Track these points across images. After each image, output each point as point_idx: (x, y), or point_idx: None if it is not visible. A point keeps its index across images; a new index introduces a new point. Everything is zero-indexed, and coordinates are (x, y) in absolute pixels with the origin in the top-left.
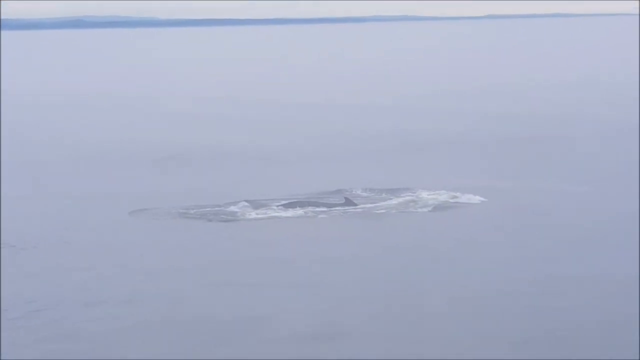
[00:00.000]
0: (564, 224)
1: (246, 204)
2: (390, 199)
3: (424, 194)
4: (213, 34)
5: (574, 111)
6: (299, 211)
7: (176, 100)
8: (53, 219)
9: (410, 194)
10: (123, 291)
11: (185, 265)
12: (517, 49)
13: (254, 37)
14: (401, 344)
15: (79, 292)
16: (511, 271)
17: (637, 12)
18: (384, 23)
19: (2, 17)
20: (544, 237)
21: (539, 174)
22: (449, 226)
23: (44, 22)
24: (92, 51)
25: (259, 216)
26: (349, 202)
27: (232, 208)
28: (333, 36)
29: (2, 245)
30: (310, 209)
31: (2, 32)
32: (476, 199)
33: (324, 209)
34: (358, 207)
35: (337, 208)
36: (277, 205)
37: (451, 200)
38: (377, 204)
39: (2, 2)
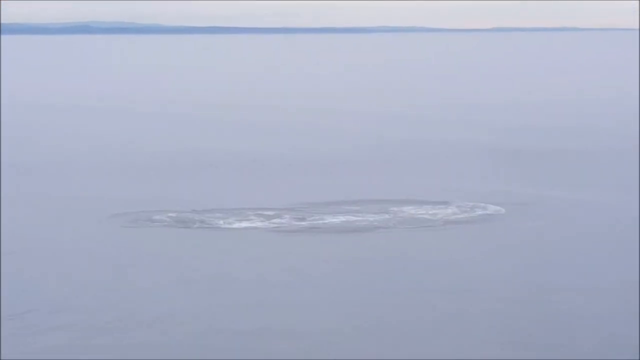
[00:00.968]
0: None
1: (232, 211)
2: (381, 212)
3: (410, 209)
4: (216, 42)
5: (585, 124)
6: (279, 221)
7: (170, 105)
8: (29, 222)
9: (399, 207)
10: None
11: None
12: (528, 62)
13: (258, 46)
14: None
15: (47, 299)
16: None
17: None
18: (390, 34)
19: (8, 22)
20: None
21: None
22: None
23: (49, 27)
24: (92, 57)
25: (242, 225)
26: (332, 213)
27: (214, 215)
28: (338, 46)
29: None
30: (291, 219)
31: (8, 36)
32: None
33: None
34: (338, 219)
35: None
36: (259, 215)
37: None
38: (361, 218)
39: (2, 3)
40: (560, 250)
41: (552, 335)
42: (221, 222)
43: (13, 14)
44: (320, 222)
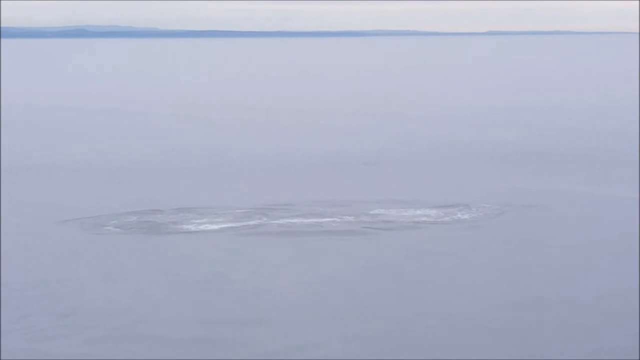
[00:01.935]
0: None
1: (193, 213)
2: (357, 214)
3: (392, 212)
4: (213, 45)
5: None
6: (248, 222)
7: (154, 106)
8: None
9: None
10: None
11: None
12: (525, 65)
13: (253, 49)
14: None
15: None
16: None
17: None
18: (386, 38)
19: (4, 26)
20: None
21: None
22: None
23: (45, 31)
24: (89, 60)
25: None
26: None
27: (181, 217)
28: (335, 49)
29: None
30: (259, 221)
31: (3, 40)
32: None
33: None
34: (297, 220)
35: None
36: (220, 216)
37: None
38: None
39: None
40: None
41: None
42: (187, 224)
43: (8, 17)
44: (290, 222)
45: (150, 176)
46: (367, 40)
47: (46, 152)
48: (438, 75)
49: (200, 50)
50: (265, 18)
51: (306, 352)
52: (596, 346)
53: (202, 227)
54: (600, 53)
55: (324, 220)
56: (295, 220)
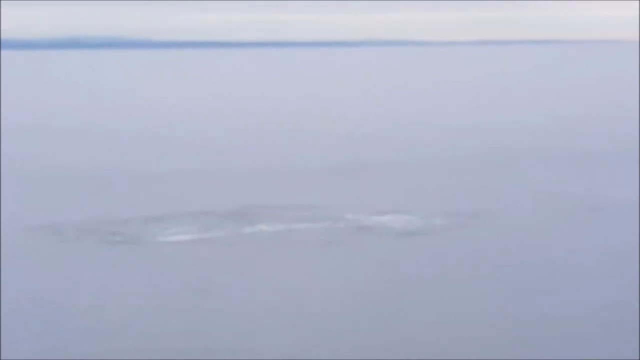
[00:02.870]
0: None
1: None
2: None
3: (349, 215)
4: (202, 56)
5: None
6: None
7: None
8: None
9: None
10: None
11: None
12: (519, 76)
13: (243, 61)
14: None
15: None
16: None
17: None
18: (376, 48)
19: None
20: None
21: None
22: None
23: (38, 43)
24: (83, 74)
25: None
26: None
27: (138, 227)
28: (325, 60)
29: None
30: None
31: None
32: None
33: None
34: (265, 228)
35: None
36: (183, 225)
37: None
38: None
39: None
40: None
41: None
42: (151, 234)
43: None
44: (260, 229)
45: (118, 183)
46: (359, 50)
47: (27, 159)
48: (429, 85)
49: (195, 61)
50: (254, 28)
51: None
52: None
53: (169, 239)
54: (597, 62)
55: (299, 226)
56: (272, 227)
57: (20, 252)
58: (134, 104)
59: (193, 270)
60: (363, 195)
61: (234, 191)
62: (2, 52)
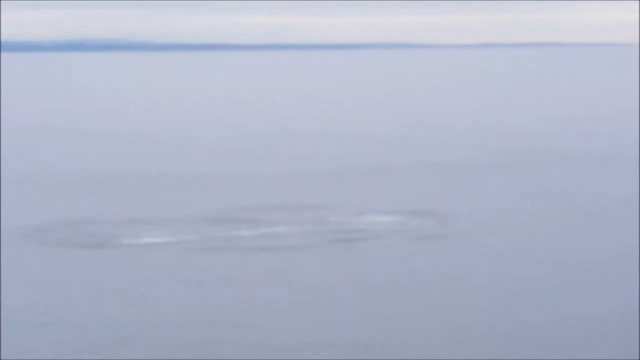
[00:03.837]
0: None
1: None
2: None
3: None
4: (208, 59)
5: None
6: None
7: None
8: None
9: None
10: None
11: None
12: (523, 78)
13: (247, 64)
14: None
15: None
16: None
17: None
18: (381, 50)
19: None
20: None
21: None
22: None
23: (41, 45)
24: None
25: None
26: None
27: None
28: (329, 63)
29: None
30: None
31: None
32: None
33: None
34: (245, 233)
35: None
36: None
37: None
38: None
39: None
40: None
41: None
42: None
43: (3, 31)
44: (239, 233)
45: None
46: (364, 52)
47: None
48: (425, 89)
49: (198, 64)
50: (258, 31)
51: None
52: None
53: (144, 241)
54: (596, 65)
55: (278, 230)
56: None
57: None
58: (129, 106)
59: (156, 274)
60: (353, 198)
61: (223, 194)
62: (3, 54)
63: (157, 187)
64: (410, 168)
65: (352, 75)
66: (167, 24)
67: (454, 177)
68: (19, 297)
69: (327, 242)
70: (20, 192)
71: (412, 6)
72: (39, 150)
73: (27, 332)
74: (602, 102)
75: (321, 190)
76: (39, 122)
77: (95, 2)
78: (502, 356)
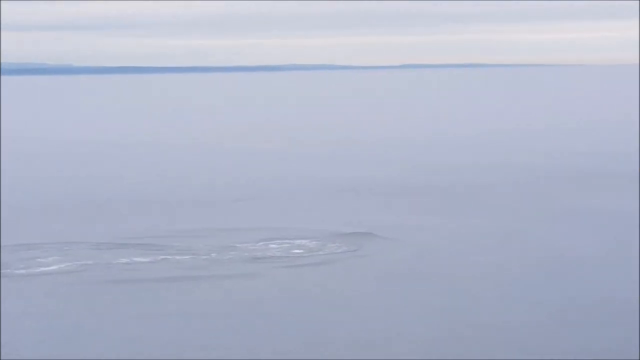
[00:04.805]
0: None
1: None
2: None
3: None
4: (130, 81)
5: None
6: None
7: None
8: None
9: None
10: None
11: None
12: (439, 98)
13: (169, 85)
14: None
15: None
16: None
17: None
18: (301, 72)
19: None
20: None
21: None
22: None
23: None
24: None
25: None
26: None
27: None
28: (250, 84)
29: None
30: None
31: None
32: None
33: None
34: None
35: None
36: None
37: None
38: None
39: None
40: None
41: None
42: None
43: None
44: (133, 259)
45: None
46: (284, 74)
47: None
48: (328, 109)
49: (121, 86)
50: (180, 54)
51: None
52: None
53: (32, 270)
54: (514, 85)
55: (178, 257)
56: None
57: None
58: (31, 129)
59: (41, 305)
60: (259, 222)
61: (130, 219)
62: None
63: (61, 214)
64: (314, 189)
65: (269, 96)
66: (87, 47)
67: (378, 199)
68: None
69: (225, 269)
70: None
71: (335, 28)
72: None
73: None
74: (513, 119)
75: (239, 213)
76: None
77: (15, 24)
78: None
